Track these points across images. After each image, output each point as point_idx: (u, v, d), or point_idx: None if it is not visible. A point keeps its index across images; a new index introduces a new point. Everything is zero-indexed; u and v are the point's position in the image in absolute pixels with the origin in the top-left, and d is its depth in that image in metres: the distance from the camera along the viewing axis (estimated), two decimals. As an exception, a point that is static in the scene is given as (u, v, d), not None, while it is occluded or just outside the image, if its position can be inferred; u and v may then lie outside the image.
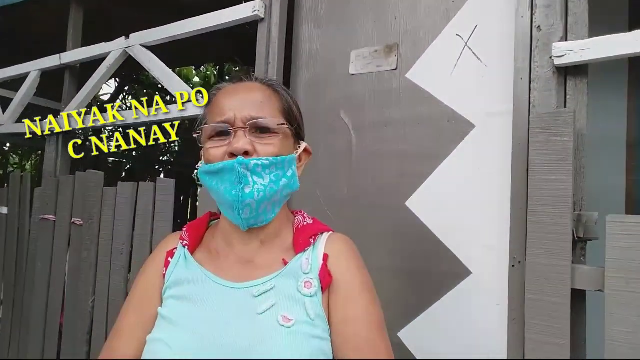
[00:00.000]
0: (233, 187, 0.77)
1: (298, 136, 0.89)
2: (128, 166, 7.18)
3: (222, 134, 0.81)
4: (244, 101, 0.82)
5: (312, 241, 0.85)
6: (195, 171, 0.86)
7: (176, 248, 0.90)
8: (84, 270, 1.90)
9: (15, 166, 7.32)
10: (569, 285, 0.98)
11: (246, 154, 0.78)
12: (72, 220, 2.00)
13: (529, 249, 1.04)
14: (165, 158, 8.23)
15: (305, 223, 0.89)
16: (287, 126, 0.83)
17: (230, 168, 0.77)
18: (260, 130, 0.81)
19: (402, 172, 1.37)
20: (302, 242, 0.84)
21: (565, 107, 1.07)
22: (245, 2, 1.65)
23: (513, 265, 1.11)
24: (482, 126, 1.24)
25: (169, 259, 0.88)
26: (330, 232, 0.89)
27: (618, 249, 0.93)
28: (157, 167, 7.14)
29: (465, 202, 1.24)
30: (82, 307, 1.88)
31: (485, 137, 1.23)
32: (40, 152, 7.00)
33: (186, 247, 0.88)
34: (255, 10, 1.60)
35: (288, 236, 0.88)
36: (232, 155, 0.78)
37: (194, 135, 0.86)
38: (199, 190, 6.47)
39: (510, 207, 1.13)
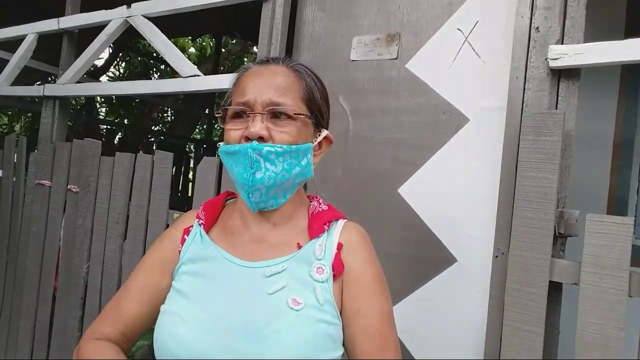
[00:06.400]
0: (245, 171, 0.80)
1: (319, 124, 0.89)
2: (120, 135, 7.14)
3: (242, 115, 0.83)
4: (266, 85, 0.83)
5: (327, 228, 0.87)
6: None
7: (192, 226, 0.93)
8: (79, 237, 1.94)
9: (4, 127, 7.23)
10: (547, 277, 1.04)
11: (261, 139, 0.80)
12: (68, 187, 2.02)
13: (512, 241, 1.10)
14: (158, 128, 8.18)
15: (320, 209, 0.91)
16: (304, 115, 0.84)
17: (244, 152, 0.80)
18: (278, 116, 0.82)
19: (396, 159, 1.41)
20: (316, 227, 0.86)
21: (556, 108, 1.12)
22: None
23: (496, 256, 1.17)
24: (476, 120, 1.28)
25: (185, 236, 0.91)
26: (345, 220, 0.90)
27: (595, 246, 0.99)
28: (149, 137, 7.09)
29: (455, 193, 1.30)
30: (76, 272, 1.92)
31: (478, 131, 1.28)
32: (30, 114, 6.91)
33: (202, 225, 0.91)
34: (260, -10, 1.60)
35: (302, 220, 0.89)
36: (248, 139, 0.80)
37: (217, 115, 0.88)
38: (191, 164, 6.47)
39: (497, 200, 1.18)
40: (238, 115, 0.84)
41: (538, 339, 1.04)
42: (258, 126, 0.80)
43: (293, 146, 0.82)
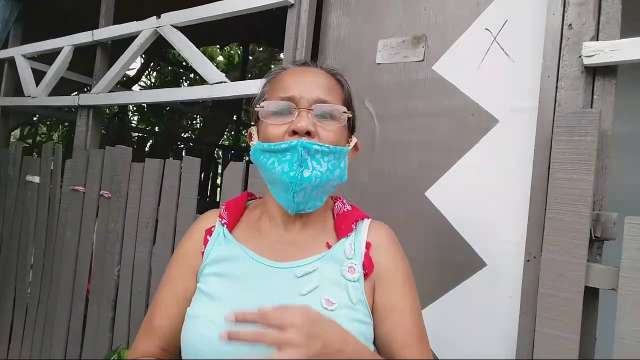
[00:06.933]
0: (292, 169, 0.77)
1: (352, 130, 0.90)
2: (150, 142, 7.32)
3: (283, 112, 0.81)
4: (312, 83, 0.82)
5: (354, 227, 0.87)
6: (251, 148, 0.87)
7: (214, 226, 0.91)
8: (110, 241, 1.99)
9: (43, 136, 7.52)
10: (583, 282, 1.00)
11: (308, 134, 0.78)
12: (101, 193, 2.08)
13: (545, 245, 1.06)
14: (187, 135, 8.35)
15: (345, 209, 0.91)
16: (349, 115, 0.84)
17: (293, 149, 0.77)
18: (323, 115, 0.81)
19: (423, 162, 1.39)
20: (344, 227, 0.86)
21: (591, 107, 1.08)
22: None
23: (528, 260, 1.13)
24: (506, 122, 1.25)
25: (208, 236, 0.90)
26: (370, 220, 0.90)
27: (634, 250, 0.94)
28: (179, 143, 7.25)
29: (485, 196, 1.26)
30: (108, 275, 1.97)
31: (509, 133, 1.24)
32: (67, 123, 7.18)
33: (225, 225, 0.89)
34: (285, -4, 1.61)
35: (328, 221, 0.90)
36: (294, 133, 0.78)
37: (257, 108, 0.84)
38: (219, 170, 6.57)
39: (528, 203, 1.15)
40: (278, 112, 0.81)
41: (573, 346, 0.99)
42: (305, 121, 0.78)
43: (337, 147, 0.81)
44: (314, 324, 0.65)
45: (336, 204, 0.94)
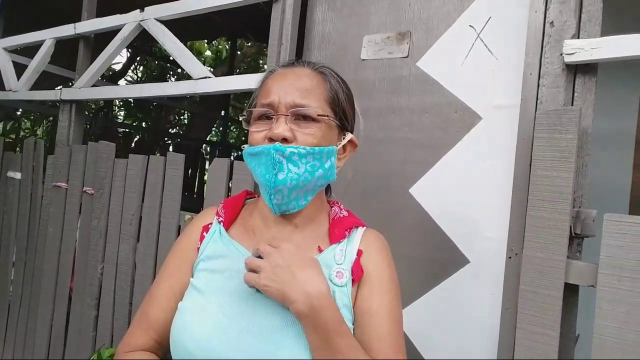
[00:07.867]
0: (267, 172, 0.80)
1: (344, 127, 0.89)
2: (137, 137, 7.23)
3: (266, 117, 0.83)
4: (290, 87, 0.83)
5: (347, 234, 0.87)
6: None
7: (211, 223, 0.92)
8: (93, 238, 1.96)
9: (27, 131, 7.40)
10: (563, 279, 1.01)
11: (285, 140, 0.80)
12: (84, 189, 2.05)
13: (526, 242, 1.06)
14: (174, 131, 8.27)
15: (341, 215, 0.91)
16: (328, 117, 0.84)
17: (267, 153, 0.79)
18: (302, 117, 0.82)
19: (407, 159, 1.39)
20: (337, 233, 0.86)
21: (572, 104, 1.08)
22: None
23: (510, 257, 1.14)
24: (489, 119, 1.25)
25: (204, 233, 0.91)
26: (365, 228, 0.90)
27: (613, 247, 0.95)
28: (166, 139, 7.18)
29: (468, 193, 1.27)
30: (91, 273, 1.94)
31: (491, 130, 1.25)
32: (51, 118, 7.07)
33: (221, 223, 0.90)
34: (270, -10, 1.60)
35: (323, 224, 0.90)
36: (271, 140, 0.80)
37: (241, 118, 0.89)
38: (207, 166, 6.53)
39: (510, 200, 1.15)
40: (262, 117, 0.84)
41: (553, 342, 1.00)
42: (282, 127, 0.80)
43: (317, 148, 0.81)
44: (286, 263, 0.74)
45: (333, 208, 0.93)
